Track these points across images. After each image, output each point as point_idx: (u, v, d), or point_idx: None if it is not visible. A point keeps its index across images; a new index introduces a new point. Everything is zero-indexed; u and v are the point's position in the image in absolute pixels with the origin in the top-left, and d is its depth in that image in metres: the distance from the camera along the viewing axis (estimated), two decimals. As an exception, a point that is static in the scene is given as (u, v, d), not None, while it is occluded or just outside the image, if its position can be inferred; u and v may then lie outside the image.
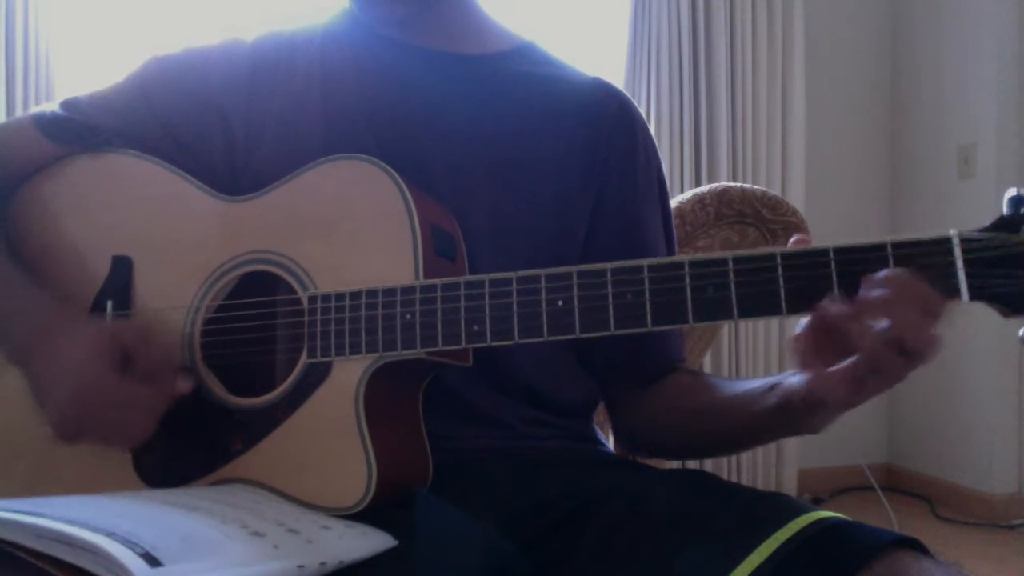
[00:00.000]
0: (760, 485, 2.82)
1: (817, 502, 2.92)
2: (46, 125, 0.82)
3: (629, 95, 0.94)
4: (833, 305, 0.56)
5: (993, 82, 2.78)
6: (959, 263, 0.55)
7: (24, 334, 0.75)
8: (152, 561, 0.46)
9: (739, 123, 2.83)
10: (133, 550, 0.47)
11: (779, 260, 0.58)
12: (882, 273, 0.55)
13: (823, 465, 3.05)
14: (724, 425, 0.77)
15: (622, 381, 0.88)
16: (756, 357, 2.85)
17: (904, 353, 0.55)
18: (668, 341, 0.87)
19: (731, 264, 0.59)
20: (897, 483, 3.11)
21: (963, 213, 2.86)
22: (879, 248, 0.57)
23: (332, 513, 0.65)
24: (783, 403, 0.65)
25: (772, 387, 0.68)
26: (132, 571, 0.45)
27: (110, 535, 0.48)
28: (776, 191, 1.88)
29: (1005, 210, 0.56)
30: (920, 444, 3.07)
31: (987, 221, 0.56)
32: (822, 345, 0.58)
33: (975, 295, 0.55)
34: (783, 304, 0.58)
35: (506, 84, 0.85)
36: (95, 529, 0.48)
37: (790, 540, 0.56)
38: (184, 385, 0.71)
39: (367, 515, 0.65)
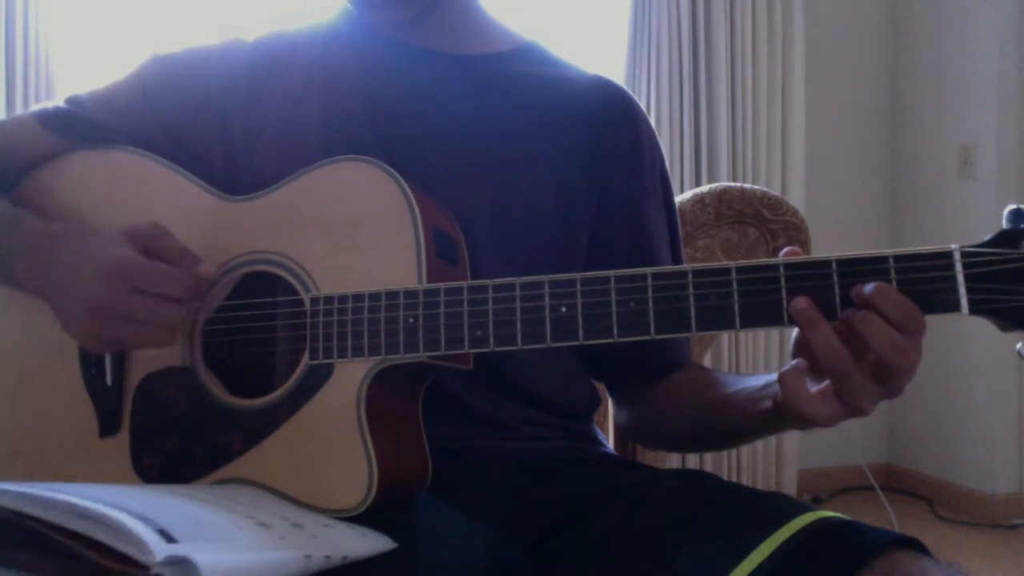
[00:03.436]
0: (760, 485, 2.82)
1: (817, 502, 2.92)
2: (48, 120, 0.82)
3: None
4: (812, 329, 0.57)
5: (993, 82, 2.78)
6: (960, 278, 0.55)
7: (40, 262, 0.75)
8: (168, 538, 0.47)
9: (739, 123, 2.82)
10: (149, 526, 0.47)
11: (782, 271, 0.58)
12: (866, 290, 0.56)
13: (823, 465, 3.05)
14: (723, 421, 0.77)
15: (630, 379, 0.89)
16: (756, 357, 2.85)
17: (882, 372, 0.56)
18: (677, 342, 0.87)
19: (734, 274, 0.59)
20: (897, 483, 3.10)
21: (963, 213, 2.86)
22: (881, 260, 0.57)
23: (332, 515, 0.65)
24: (773, 406, 0.66)
25: (765, 386, 0.69)
26: (150, 546, 0.45)
27: (126, 511, 0.48)
28: (776, 191, 1.88)
29: (1005, 224, 0.56)
30: (920, 444, 3.07)
31: (986, 222, 0.56)
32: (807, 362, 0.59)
33: (975, 310, 0.56)
34: (785, 315, 0.58)
35: (507, 84, 0.85)
36: (112, 506, 0.48)
37: (790, 540, 0.56)
38: (205, 273, 0.71)
39: (368, 516, 0.65)
